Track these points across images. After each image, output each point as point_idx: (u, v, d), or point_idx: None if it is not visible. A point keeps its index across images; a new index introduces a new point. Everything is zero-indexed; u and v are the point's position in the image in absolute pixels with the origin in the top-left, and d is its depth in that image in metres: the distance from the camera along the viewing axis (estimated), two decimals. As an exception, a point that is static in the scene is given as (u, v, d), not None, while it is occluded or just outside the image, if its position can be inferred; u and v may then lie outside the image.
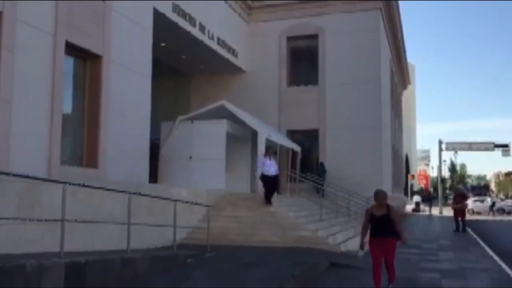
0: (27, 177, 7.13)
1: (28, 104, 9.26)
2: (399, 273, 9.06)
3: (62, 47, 10.00)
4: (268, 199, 13.48)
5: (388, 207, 7.22)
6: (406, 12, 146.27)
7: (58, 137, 9.84)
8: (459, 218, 19.56)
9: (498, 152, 46.27)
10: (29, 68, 9.31)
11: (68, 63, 10.61)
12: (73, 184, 7.56)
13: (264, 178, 13.77)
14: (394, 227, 7.14)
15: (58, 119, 9.85)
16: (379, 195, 7.26)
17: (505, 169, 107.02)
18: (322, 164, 19.59)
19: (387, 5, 22.16)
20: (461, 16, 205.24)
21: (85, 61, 11.30)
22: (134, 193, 8.73)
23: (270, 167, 13.83)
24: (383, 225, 7.12)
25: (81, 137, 11.21)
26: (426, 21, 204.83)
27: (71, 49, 10.46)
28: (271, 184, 13.62)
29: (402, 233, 7.22)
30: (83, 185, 7.99)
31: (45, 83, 9.65)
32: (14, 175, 6.89)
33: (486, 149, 45.46)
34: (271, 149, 14.59)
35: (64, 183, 6.94)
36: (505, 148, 44.95)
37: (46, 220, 7.35)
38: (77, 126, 11.25)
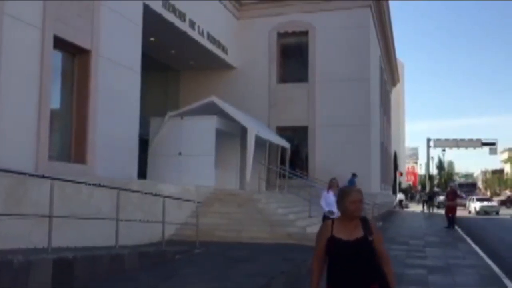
0: (14, 172, 7.08)
1: (16, 99, 9.16)
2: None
3: (50, 41, 9.89)
4: None
5: (365, 222, 3.54)
6: (396, 10, 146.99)
7: (46, 132, 9.75)
8: (450, 215, 19.85)
9: (485, 149, 46.89)
10: (17, 62, 9.20)
11: (56, 58, 10.50)
12: (61, 180, 7.52)
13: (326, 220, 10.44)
14: (381, 265, 3.48)
15: (46, 114, 9.75)
16: (352, 197, 3.51)
17: (492, 166, 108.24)
18: (354, 175, 18.41)
19: (376, 2, 22.26)
20: (450, 14, 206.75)
21: (74, 56, 11.20)
22: (122, 189, 8.70)
23: (334, 205, 9.58)
24: (357, 262, 3.42)
25: (69, 132, 11.12)
26: (415, 19, 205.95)
27: (60, 43, 10.36)
28: None
29: (393, 278, 3.49)
30: (71, 181, 7.94)
31: (33, 78, 9.54)
32: (1, 170, 6.84)
33: (474, 147, 46.01)
34: (333, 181, 10.93)
35: (52, 178, 6.90)
36: (492, 146, 45.53)
37: (33, 216, 7.31)
38: (65, 121, 11.16)
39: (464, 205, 40.39)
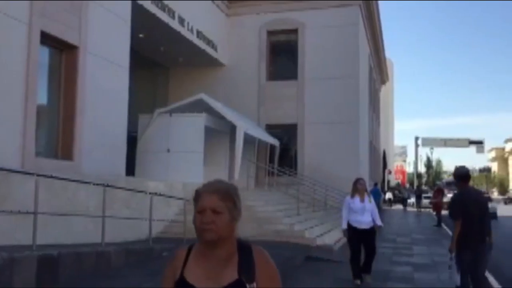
0: (0, 169, 7.01)
1: (1, 94, 9.08)
2: (373, 266, 9.19)
3: (37, 37, 9.80)
4: (355, 271, 7.87)
5: (246, 254, 1.95)
6: (386, 8, 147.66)
7: (33, 129, 9.67)
8: (435, 213, 20.10)
9: (473, 148, 47.30)
10: (3, 57, 9.11)
11: (43, 53, 10.41)
12: (47, 176, 7.46)
13: (351, 231, 7.95)
14: None
15: (32, 110, 9.67)
16: (199, 204, 2.04)
17: (479, 165, 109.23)
18: (376, 184, 18.46)
19: (366, 1, 22.33)
20: (439, 13, 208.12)
21: (61, 52, 11.11)
22: (109, 186, 8.66)
23: (362, 213, 7.86)
24: None
25: (56, 129, 11.04)
26: (405, 18, 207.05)
27: (47, 39, 10.27)
28: (359, 242, 7.90)
29: None
30: (57, 178, 7.89)
31: (19, 73, 9.45)
32: (-14, 167, 6.77)
33: (461, 146, 46.41)
34: (361, 182, 8.20)
35: (38, 175, 6.85)
36: (479, 145, 45.93)
37: (18, 213, 7.26)
38: (52, 117, 11.07)
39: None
